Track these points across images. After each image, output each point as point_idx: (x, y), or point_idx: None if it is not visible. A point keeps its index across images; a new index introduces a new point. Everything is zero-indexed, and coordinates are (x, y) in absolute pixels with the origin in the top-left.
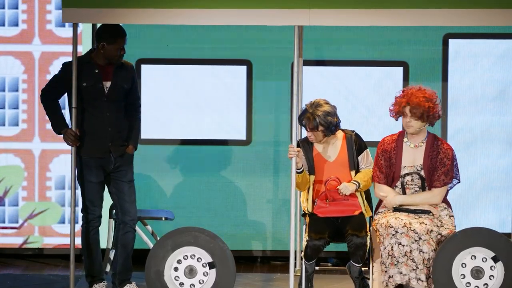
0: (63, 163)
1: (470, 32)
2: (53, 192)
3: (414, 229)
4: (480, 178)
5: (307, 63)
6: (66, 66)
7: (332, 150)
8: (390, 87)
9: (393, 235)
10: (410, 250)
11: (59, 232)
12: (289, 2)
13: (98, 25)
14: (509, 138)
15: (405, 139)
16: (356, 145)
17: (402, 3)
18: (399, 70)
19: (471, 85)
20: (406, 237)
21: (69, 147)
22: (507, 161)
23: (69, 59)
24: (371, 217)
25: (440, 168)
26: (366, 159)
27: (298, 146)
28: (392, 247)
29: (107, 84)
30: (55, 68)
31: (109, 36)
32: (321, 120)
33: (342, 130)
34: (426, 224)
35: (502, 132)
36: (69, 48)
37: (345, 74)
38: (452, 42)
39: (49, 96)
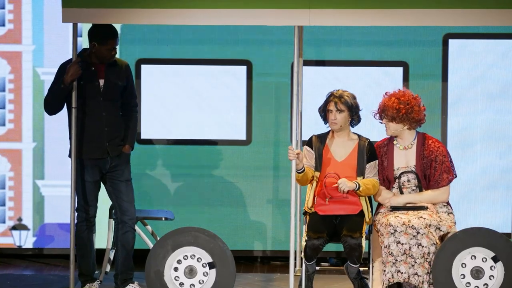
0: None
1: (470, 32)
2: None
3: (413, 225)
4: (481, 178)
5: (307, 63)
6: (64, 67)
7: (343, 150)
8: (390, 87)
9: (391, 233)
10: (409, 247)
11: None
12: (289, 2)
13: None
14: (509, 138)
15: (395, 141)
16: (368, 153)
17: (402, 3)
18: (399, 70)
19: (471, 85)
20: (405, 235)
21: None
22: (507, 160)
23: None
24: (370, 225)
25: (439, 167)
26: (373, 169)
27: (310, 141)
28: (389, 246)
29: (101, 81)
30: None
31: (101, 37)
32: (350, 100)
33: (358, 135)
34: (424, 219)
35: (502, 132)
36: None
37: (345, 74)
38: (452, 42)
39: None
